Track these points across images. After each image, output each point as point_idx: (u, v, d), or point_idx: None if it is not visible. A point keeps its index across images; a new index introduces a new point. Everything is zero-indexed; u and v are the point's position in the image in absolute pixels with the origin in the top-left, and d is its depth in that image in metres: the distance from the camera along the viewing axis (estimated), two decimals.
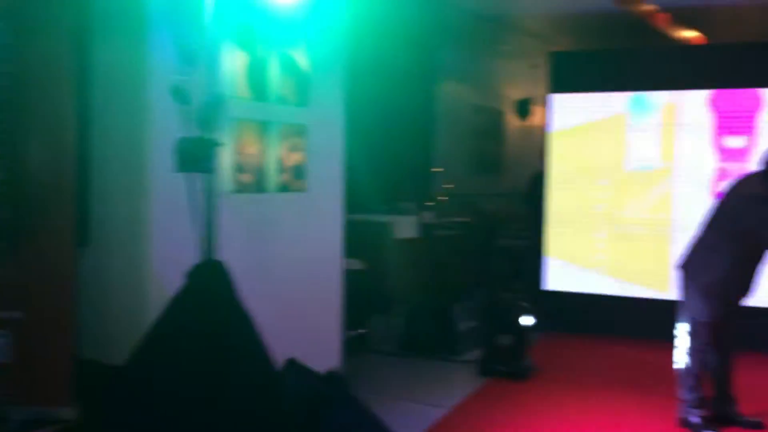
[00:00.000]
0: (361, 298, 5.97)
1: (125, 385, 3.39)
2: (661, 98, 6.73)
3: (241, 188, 4.50)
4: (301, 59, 4.94)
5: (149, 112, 3.97)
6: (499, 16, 8.23)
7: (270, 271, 4.71)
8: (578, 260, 7.02)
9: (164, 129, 3.86)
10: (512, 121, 10.39)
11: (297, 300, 4.92)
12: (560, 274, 7.09)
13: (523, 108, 9.99)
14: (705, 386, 4.52)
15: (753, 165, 4.46)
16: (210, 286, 3.45)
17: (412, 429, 4.42)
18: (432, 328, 6.13)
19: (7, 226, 3.65)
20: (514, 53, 9.72)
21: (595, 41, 8.81)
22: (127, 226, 4.06)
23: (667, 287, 6.52)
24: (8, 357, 3.65)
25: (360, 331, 6.14)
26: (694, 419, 4.47)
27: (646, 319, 6.62)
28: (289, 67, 4.86)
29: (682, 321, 4.52)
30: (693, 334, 4.45)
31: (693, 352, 4.46)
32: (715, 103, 6.55)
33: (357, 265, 6.06)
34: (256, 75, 4.59)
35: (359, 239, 6.07)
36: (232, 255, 3.83)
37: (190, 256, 3.54)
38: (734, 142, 6.44)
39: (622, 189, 6.87)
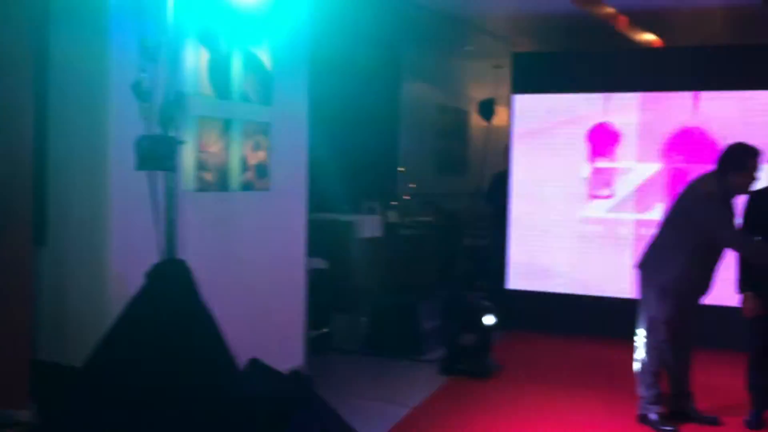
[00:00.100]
0: (325, 297, 5.96)
1: (84, 387, 3.34)
2: (620, 99, 6.84)
3: (204, 186, 4.45)
4: (265, 57, 4.91)
5: (109, 108, 3.91)
6: (463, 17, 8.28)
7: (232, 270, 4.67)
8: (540, 259, 7.10)
9: (124, 126, 3.80)
10: (476, 121, 10.46)
11: (260, 299, 4.89)
12: (523, 273, 7.16)
13: (487, 108, 10.06)
14: (663, 383, 4.61)
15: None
16: (171, 285, 3.41)
17: (375, 428, 4.43)
18: (395, 327, 6.14)
19: None
20: (477, 54, 9.80)
21: (558, 43, 8.92)
22: (86, 225, 3.99)
23: (627, 286, 6.63)
24: None
25: (323, 330, 6.13)
26: (652, 416, 4.55)
27: (607, 318, 6.72)
28: (253, 65, 4.83)
29: (641, 319, 4.60)
30: (651, 331, 4.53)
31: (651, 349, 4.54)
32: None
33: (320, 264, 6.05)
34: (218, 72, 4.54)
35: (323, 238, 6.05)
36: (193, 254, 3.79)
37: (150, 256, 3.49)
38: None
39: (584, 189, 6.96)
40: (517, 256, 7.18)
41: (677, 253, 4.41)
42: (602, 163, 6.92)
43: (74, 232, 4.02)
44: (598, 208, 6.93)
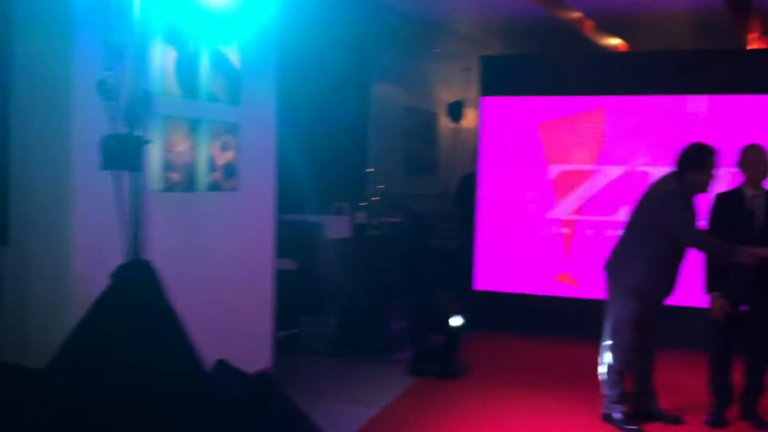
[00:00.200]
0: (293, 298, 5.94)
1: (47, 389, 3.28)
2: (588, 102, 6.94)
3: (170, 187, 4.42)
4: (233, 57, 4.89)
5: (74, 107, 3.85)
6: (432, 20, 8.32)
7: (199, 271, 4.64)
8: (508, 261, 7.16)
9: (89, 125, 3.75)
10: (445, 122, 10.52)
11: (227, 300, 4.86)
12: (490, 275, 7.21)
13: (455, 110, 10.12)
14: (627, 382, 4.68)
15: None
16: (136, 286, 3.37)
17: (343, 429, 4.42)
18: (364, 328, 6.15)
19: None
20: (446, 56, 9.85)
21: (526, 46, 9.01)
22: (50, 225, 3.93)
23: (595, 287, 6.72)
24: None
25: (291, 331, 6.11)
26: (616, 415, 4.62)
27: (573, 319, 6.80)
28: (221, 65, 4.80)
29: (607, 319, 4.66)
30: (617, 331, 4.59)
31: (616, 349, 4.60)
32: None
33: (289, 265, 6.03)
34: (186, 72, 4.51)
35: (292, 239, 6.04)
36: (160, 255, 3.77)
37: (115, 256, 3.46)
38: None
39: (551, 190, 7.04)
40: (484, 257, 7.23)
41: (641, 253, 4.49)
42: (569, 166, 7.00)
43: (37, 232, 3.95)
44: (565, 210, 7.01)
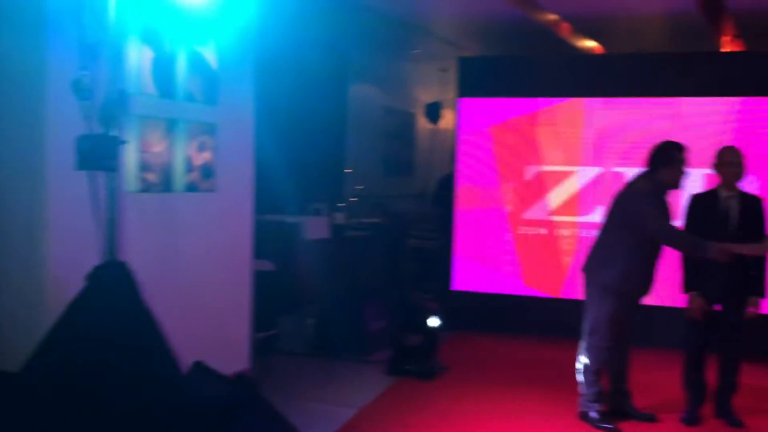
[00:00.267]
0: (272, 299, 5.92)
1: (21, 393, 3.24)
2: (564, 104, 6.99)
3: (147, 187, 4.38)
4: (210, 57, 4.86)
5: (48, 107, 3.81)
6: (410, 21, 8.33)
7: (176, 272, 4.61)
8: (485, 261, 7.19)
9: (64, 125, 3.71)
10: (423, 123, 10.54)
11: (205, 302, 4.83)
12: (468, 275, 7.24)
13: (433, 111, 10.15)
14: (603, 381, 4.72)
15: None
16: (112, 288, 3.34)
17: (321, 430, 4.42)
18: (342, 328, 6.14)
19: None
20: (424, 57, 9.87)
21: (504, 48, 9.05)
22: (23, 227, 3.88)
23: (572, 287, 6.77)
24: None
25: (270, 332, 6.09)
26: (593, 414, 4.66)
27: (550, 318, 6.85)
28: (198, 65, 4.77)
29: (585, 319, 4.70)
30: (594, 331, 4.63)
31: (593, 348, 4.64)
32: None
33: (267, 266, 6.01)
34: (162, 71, 4.48)
35: (270, 240, 6.02)
36: (136, 256, 3.73)
37: (91, 258, 3.42)
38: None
39: (528, 190, 7.08)
40: (462, 257, 7.26)
41: (617, 251, 4.54)
42: (545, 167, 7.05)
43: (11, 233, 3.90)
44: (542, 211, 7.06)
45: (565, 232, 6.99)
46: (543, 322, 6.94)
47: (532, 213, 7.09)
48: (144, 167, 4.35)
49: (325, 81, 7.82)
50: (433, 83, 10.22)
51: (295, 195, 6.63)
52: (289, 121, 6.95)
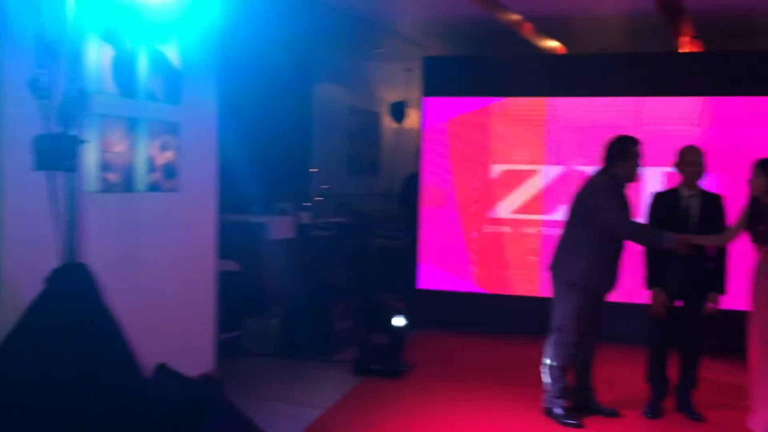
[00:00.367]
0: (236, 299, 5.87)
1: None
2: (528, 103, 7.05)
3: (108, 188, 4.31)
4: (173, 55, 4.81)
5: (4, 106, 3.73)
6: (375, 20, 8.33)
7: (139, 273, 4.54)
8: (451, 259, 7.22)
9: (21, 124, 3.64)
10: (388, 122, 10.54)
11: (168, 303, 4.78)
12: (434, 273, 7.27)
13: (398, 110, 10.16)
14: (568, 377, 4.77)
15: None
16: (72, 291, 3.28)
17: (287, 431, 4.40)
18: (308, 328, 6.11)
19: None
20: (389, 57, 9.87)
21: (468, 47, 9.10)
22: None
23: (537, 285, 6.84)
24: None
25: (235, 333, 6.04)
26: (557, 410, 4.71)
27: (516, 316, 6.91)
28: (160, 63, 4.71)
29: (552, 316, 4.74)
30: (560, 328, 4.68)
31: (559, 345, 4.69)
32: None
33: (232, 266, 5.96)
34: (123, 70, 4.42)
35: (234, 240, 5.97)
36: (96, 258, 3.67)
37: (50, 260, 3.36)
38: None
39: (494, 189, 7.13)
40: (428, 256, 7.28)
41: (581, 248, 4.60)
42: (510, 166, 7.11)
43: None
44: (506, 209, 7.11)
45: (529, 230, 7.05)
46: (508, 320, 6.99)
47: (497, 212, 7.14)
48: (105, 167, 4.28)
49: (289, 80, 7.77)
50: (397, 83, 10.22)
51: (260, 194, 6.58)
52: (254, 121, 6.89)
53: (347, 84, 9.67)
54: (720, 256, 4.77)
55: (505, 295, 7.07)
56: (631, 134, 4.75)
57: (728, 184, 6.23)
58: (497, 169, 7.14)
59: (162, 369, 3.68)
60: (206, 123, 5.17)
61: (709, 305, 4.75)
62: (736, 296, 4.81)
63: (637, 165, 4.62)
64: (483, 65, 7.40)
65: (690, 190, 4.76)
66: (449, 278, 7.23)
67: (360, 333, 5.93)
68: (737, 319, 4.76)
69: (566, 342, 4.66)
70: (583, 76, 6.99)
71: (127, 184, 4.46)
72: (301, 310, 6.21)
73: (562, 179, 6.91)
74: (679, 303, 4.79)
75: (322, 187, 8.28)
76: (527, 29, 8.32)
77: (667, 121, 6.70)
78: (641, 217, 5.00)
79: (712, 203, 4.78)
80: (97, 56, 4.21)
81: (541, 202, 7.02)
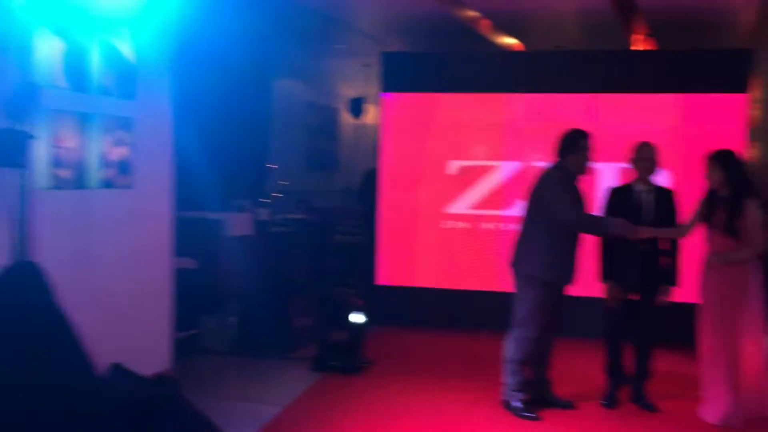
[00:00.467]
0: (193, 297, 5.80)
1: None
2: (486, 99, 7.10)
3: (59, 184, 4.21)
4: (126, 50, 4.71)
5: None
6: (333, 15, 8.30)
7: (92, 272, 4.45)
8: (409, 256, 7.24)
9: None
10: (347, 118, 10.52)
11: (123, 302, 4.69)
12: (392, 270, 7.28)
13: (356, 106, 10.15)
14: (526, 370, 4.82)
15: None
16: (22, 289, 3.21)
17: (245, 429, 4.36)
18: (266, 326, 6.07)
19: None
20: (348, 52, 9.85)
21: (426, 44, 9.13)
22: None
23: (495, 280, 6.89)
24: None
25: (191, 331, 5.97)
26: (515, 403, 4.76)
27: (474, 311, 6.97)
28: (113, 57, 4.62)
29: (514, 311, 4.79)
30: (520, 322, 4.73)
31: (519, 339, 4.74)
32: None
33: (188, 263, 5.88)
34: (74, 64, 4.31)
35: (191, 237, 5.89)
36: (48, 256, 3.60)
37: None
38: None
39: (452, 186, 7.17)
40: (387, 252, 7.29)
41: (538, 242, 4.66)
42: (468, 161, 7.15)
43: None
44: (464, 205, 7.16)
45: (487, 226, 7.11)
46: (466, 315, 7.04)
47: (455, 207, 7.18)
48: (56, 163, 4.18)
49: (247, 75, 7.69)
50: (356, 78, 10.21)
51: (217, 191, 6.51)
52: (211, 116, 6.81)
53: (305, 79, 9.61)
54: (673, 250, 4.88)
55: (463, 291, 7.11)
56: (583, 129, 4.82)
57: (682, 179, 6.37)
58: (455, 165, 7.17)
59: (117, 368, 3.61)
60: (161, 118, 5.08)
61: (662, 298, 4.86)
62: (689, 289, 4.92)
63: (587, 158, 4.70)
64: (441, 61, 7.43)
65: (644, 185, 4.86)
66: (408, 274, 7.24)
67: (319, 330, 5.91)
68: (691, 311, 4.88)
69: (526, 336, 4.71)
70: (539, 73, 7.07)
71: (80, 181, 4.37)
72: (259, 307, 6.17)
73: (519, 175, 6.98)
74: (633, 296, 4.88)
75: (281, 183, 8.23)
76: (485, 26, 8.39)
77: (621, 117, 6.81)
78: (597, 211, 5.09)
79: (665, 198, 4.89)
80: (48, 50, 4.10)
81: (499, 197, 7.07)
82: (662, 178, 5.74)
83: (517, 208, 6.66)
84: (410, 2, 7.59)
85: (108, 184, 4.59)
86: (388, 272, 7.29)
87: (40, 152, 4.03)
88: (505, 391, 4.83)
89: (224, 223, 6.50)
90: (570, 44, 8.45)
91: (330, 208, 8.83)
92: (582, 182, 4.80)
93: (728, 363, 4.61)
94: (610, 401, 4.93)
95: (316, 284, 7.14)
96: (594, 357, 5.15)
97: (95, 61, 4.47)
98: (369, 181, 7.80)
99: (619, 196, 4.91)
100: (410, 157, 7.24)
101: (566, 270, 4.71)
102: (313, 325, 6.25)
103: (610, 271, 4.88)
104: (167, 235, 5.18)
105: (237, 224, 6.64)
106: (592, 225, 4.70)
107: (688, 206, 4.92)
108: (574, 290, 4.88)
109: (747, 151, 6.55)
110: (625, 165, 5.14)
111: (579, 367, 5.62)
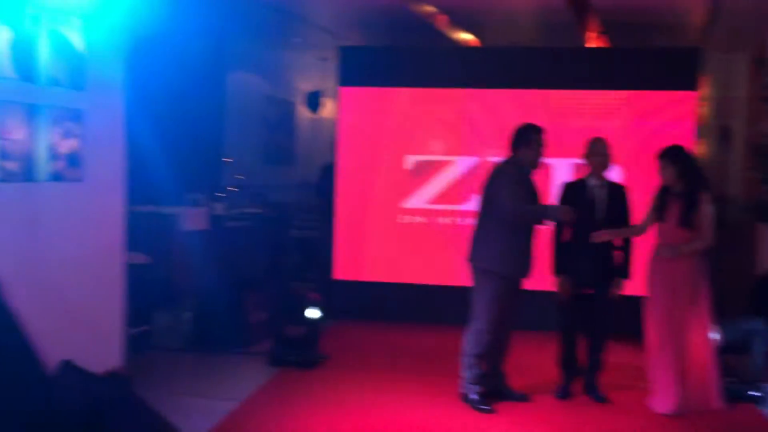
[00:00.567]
0: (146, 293, 5.71)
1: None
2: (442, 95, 7.13)
3: (6, 177, 4.09)
4: (77, 39, 4.60)
5: None
6: (290, 8, 8.23)
7: (40, 267, 4.34)
8: (367, 250, 7.24)
9: None
10: (303, 112, 10.46)
11: (73, 298, 4.59)
12: (350, 264, 7.26)
13: (313, 100, 10.10)
14: (483, 363, 4.86)
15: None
16: None
17: (201, 425, 4.30)
18: (222, 321, 6.01)
19: None
20: (305, 46, 9.79)
21: (384, 38, 9.12)
22: None
23: (452, 274, 6.93)
24: None
25: (144, 327, 5.87)
26: (473, 395, 4.79)
27: (432, 305, 7.00)
28: (62, 47, 4.50)
29: (471, 305, 4.82)
30: (478, 316, 4.76)
31: (477, 333, 4.77)
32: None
33: (141, 258, 5.79)
34: (22, 54, 4.19)
35: (144, 232, 5.79)
36: None
37: None
38: None
39: (409, 180, 7.18)
40: (344, 247, 7.27)
41: (492, 236, 4.70)
42: (424, 156, 7.17)
43: None
44: (421, 200, 7.18)
45: (444, 220, 7.14)
46: (423, 309, 7.07)
47: (412, 202, 7.19)
48: (3, 155, 4.06)
49: (202, 67, 7.58)
50: (313, 72, 10.15)
51: (171, 185, 6.40)
52: (165, 109, 6.69)
53: (262, 72, 9.53)
54: (626, 244, 4.97)
55: (420, 286, 7.13)
56: (537, 124, 4.88)
57: (634, 174, 6.49)
58: (412, 159, 7.19)
59: (67, 366, 3.53)
60: (113, 110, 4.98)
61: (615, 291, 4.95)
62: (640, 282, 5.02)
63: (540, 152, 4.75)
64: (399, 56, 7.43)
65: (597, 180, 4.94)
66: (365, 269, 7.24)
67: (275, 324, 5.87)
68: (641, 303, 4.97)
69: (482, 330, 4.74)
70: (495, 69, 7.12)
71: (28, 174, 4.25)
72: (214, 302, 6.10)
73: (476, 170, 7.02)
74: (586, 290, 4.96)
75: (236, 177, 8.15)
76: (441, 21, 8.42)
77: (575, 113, 6.90)
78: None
79: (618, 193, 4.97)
80: None
81: (455, 192, 7.11)
82: (614, 174, 5.85)
83: (474, 203, 6.73)
84: None
85: (57, 177, 4.48)
86: (345, 267, 7.27)
87: None
88: (463, 384, 4.86)
89: (178, 217, 6.40)
90: (525, 41, 8.54)
91: (286, 202, 8.80)
92: (536, 177, 4.85)
93: (676, 354, 4.72)
94: (564, 393, 5.01)
95: (272, 279, 7.10)
96: (547, 350, 5.22)
97: (44, 51, 4.35)
98: (326, 176, 7.77)
99: (573, 191, 4.98)
100: (367, 152, 7.23)
101: (522, 263, 4.76)
102: (269, 319, 6.21)
103: (562, 265, 4.95)
104: (119, 229, 5.08)
105: (192, 219, 6.55)
106: (531, 214, 4.71)
107: (639, 201, 5.02)
108: (527, 284, 4.93)
109: (696, 148, 6.70)
110: (579, 160, 5.21)
111: (533, 360, 5.69)
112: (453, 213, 7.11)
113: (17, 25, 4.13)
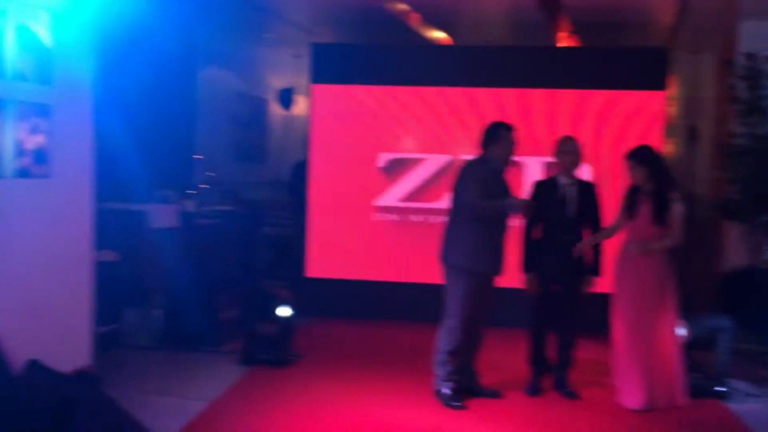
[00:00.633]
0: (115, 290, 5.64)
1: None
2: (415, 92, 7.14)
3: None
4: (44, 33, 4.52)
5: None
6: (262, 4, 8.18)
7: (7, 264, 4.26)
8: (339, 247, 7.23)
9: None
10: (276, 109, 10.41)
11: (39, 296, 4.51)
12: (322, 262, 7.25)
13: (286, 97, 10.05)
14: (456, 360, 4.88)
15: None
16: None
17: (171, 424, 4.26)
18: (193, 319, 5.96)
19: None
20: (277, 42, 9.74)
21: (357, 35, 9.11)
22: None
23: (424, 272, 6.94)
24: None
25: (113, 325, 5.80)
26: (445, 391, 4.81)
27: (405, 303, 7.01)
28: (29, 41, 4.42)
29: (444, 303, 4.83)
30: (451, 314, 4.78)
31: (449, 330, 4.79)
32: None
33: (110, 256, 5.71)
34: None
35: (113, 229, 5.72)
36: None
37: None
38: None
39: (382, 178, 7.18)
40: (316, 244, 7.25)
41: (463, 232, 4.72)
42: (397, 154, 7.18)
43: None
44: (393, 198, 7.18)
45: (416, 218, 7.15)
46: (396, 307, 7.08)
47: (385, 200, 7.20)
48: None
49: (173, 63, 7.50)
50: (286, 69, 10.10)
51: (141, 182, 6.33)
52: (135, 104, 6.62)
53: (234, 69, 9.46)
54: (596, 243, 5.02)
55: (393, 283, 7.14)
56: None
57: (603, 173, 6.56)
58: (385, 157, 7.19)
59: (33, 365, 3.48)
60: (81, 105, 4.90)
61: (585, 289, 5.00)
62: (610, 280, 5.07)
63: (510, 149, 4.78)
64: (372, 54, 7.43)
65: (567, 178, 4.98)
66: (338, 266, 7.23)
67: (247, 322, 5.83)
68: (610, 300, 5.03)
69: (455, 327, 4.76)
70: (468, 67, 7.15)
71: None
72: (185, 300, 6.04)
73: (448, 168, 7.05)
74: (556, 287, 5.01)
75: (208, 174, 8.08)
76: (414, 19, 8.43)
77: (546, 112, 6.95)
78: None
79: (588, 191, 5.03)
80: None
81: (428, 190, 7.13)
82: (585, 172, 5.91)
83: (446, 201, 6.75)
84: None
85: (24, 174, 4.40)
86: (318, 264, 7.25)
87: None
88: (436, 381, 4.88)
89: (148, 214, 6.33)
90: (498, 40, 8.58)
91: (258, 200, 8.75)
92: (508, 175, 4.88)
93: (643, 351, 4.78)
94: (534, 390, 5.05)
95: (243, 276, 7.06)
96: (519, 346, 5.25)
97: (10, 45, 4.28)
98: (298, 173, 7.74)
99: (544, 190, 5.02)
100: (340, 150, 7.22)
101: (493, 261, 4.78)
102: (241, 317, 6.17)
103: (531, 262, 4.99)
104: (87, 226, 5.01)
105: (162, 216, 6.48)
106: (490, 208, 4.68)
107: (609, 199, 5.08)
108: (500, 281, 4.96)
109: (664, 147, 6.79)
110: (549, 159, 5.25)
111: (504, 357, 5.72)
112: (425, 211, 7.13)
113: None
